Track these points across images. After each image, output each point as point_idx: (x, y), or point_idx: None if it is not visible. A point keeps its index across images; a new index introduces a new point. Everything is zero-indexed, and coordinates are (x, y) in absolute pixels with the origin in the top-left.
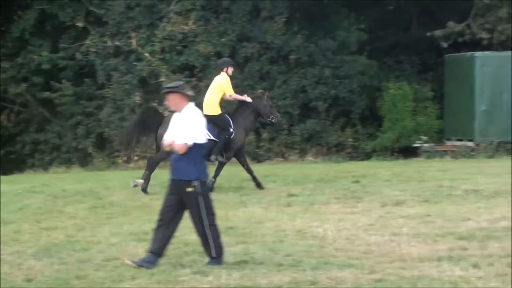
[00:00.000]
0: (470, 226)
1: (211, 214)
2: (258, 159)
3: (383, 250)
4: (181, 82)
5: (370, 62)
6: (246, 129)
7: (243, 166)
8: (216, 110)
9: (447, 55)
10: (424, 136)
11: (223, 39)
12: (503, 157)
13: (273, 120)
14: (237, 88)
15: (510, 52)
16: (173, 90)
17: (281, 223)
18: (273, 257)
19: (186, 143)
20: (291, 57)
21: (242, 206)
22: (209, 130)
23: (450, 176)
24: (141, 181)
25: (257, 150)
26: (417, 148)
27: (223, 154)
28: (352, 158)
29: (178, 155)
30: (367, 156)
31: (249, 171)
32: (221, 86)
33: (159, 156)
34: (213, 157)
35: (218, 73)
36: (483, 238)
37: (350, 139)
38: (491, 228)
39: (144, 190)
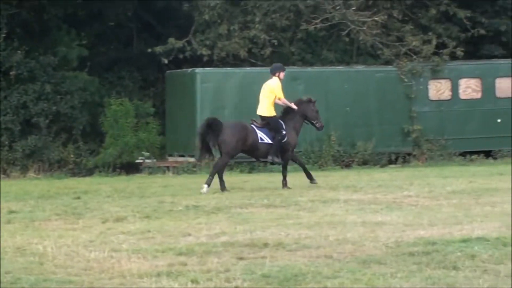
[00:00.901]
0: (190, 242)
1: None
2: None
3: (103, 266)
4: None
5: (91, 78)
6: (296, 131)
7: (295, 162)
8: (270, 112)
9: (168, 71)
10: (146, 152)
11: None
12: (225, 173)
13: (317, 125)
14: None
15: (231, 68)
16: None
17: (1, 240)
18: None
19: None
20: (12, 73)
21: None
22: (265, 134)
23: (171, 192)
24: (206, 186)
25: None
26: (139, 164)
27: (278, 155)
28: (74, 174)
29: None
30: (89, 172)
31: (302, 165)
32: (272, 89)
33: (222, 160)
34: (270, 158)
35: (270, 77)
36: (202, 253)
37: (72, 155)
38: (211, 243)
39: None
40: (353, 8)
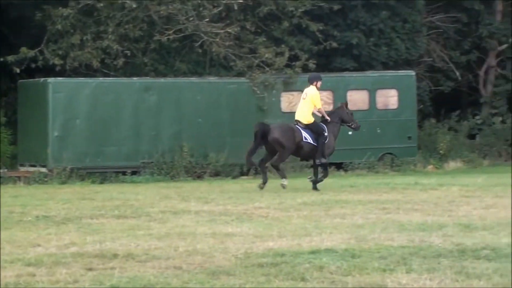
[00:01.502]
0: (39, 252)
1: None
2: None
3: None
4: None
5: None
6: (334, 135)
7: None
8: (310, 119)
9: (20, 80)
10: None
11: None
12: (76, 183)
13: (353, 126)
14: None
15: (83, 78)
16: None
17: None
18: None
19: None
20: None
21: None
22: (308, 134)
23: (22, 202)
24: (285, 181)
25: None
26: None
27: (325, 156)
28: None
29: None
30: None
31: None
32: (311, 98)
33: (279, 158)
34: (317, 161)
35: (307, 85)
36: (51, 264)
37: None
38: (60, 254)
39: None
40: (206, 19)
